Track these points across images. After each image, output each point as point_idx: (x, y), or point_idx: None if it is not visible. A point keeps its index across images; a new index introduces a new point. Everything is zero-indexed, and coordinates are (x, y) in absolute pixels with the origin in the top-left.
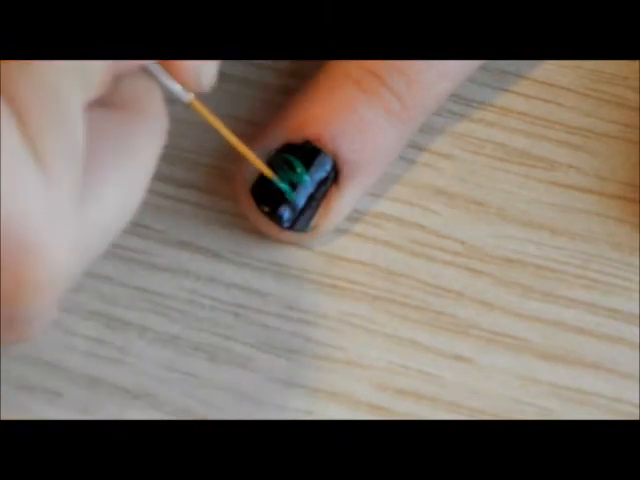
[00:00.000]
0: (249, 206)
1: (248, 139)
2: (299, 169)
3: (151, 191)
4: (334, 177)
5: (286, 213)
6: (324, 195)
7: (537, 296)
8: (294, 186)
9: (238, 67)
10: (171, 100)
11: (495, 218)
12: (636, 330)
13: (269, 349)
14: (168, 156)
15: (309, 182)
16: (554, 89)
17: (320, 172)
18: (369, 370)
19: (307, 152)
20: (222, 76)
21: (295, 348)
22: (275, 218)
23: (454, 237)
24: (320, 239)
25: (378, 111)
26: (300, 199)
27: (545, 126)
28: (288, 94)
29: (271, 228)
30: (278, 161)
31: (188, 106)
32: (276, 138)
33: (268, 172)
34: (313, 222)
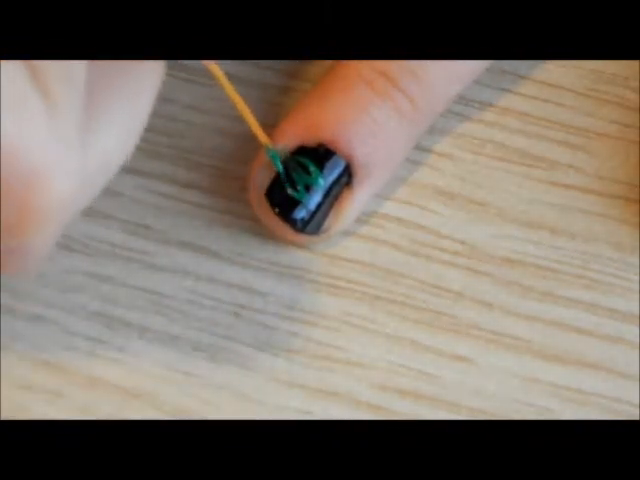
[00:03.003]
0: (263, 209)
1: (249, 139)
2: (314, 172)
3: (151, 191)
4: (347, 180)
5: (300, 216)
6: (336, 197)
7: (537, 296)
8: (308, 189)
9: (238, 67)
10: (171, 100)
11: (495, 218)
12: (636, 330)
13: (269, 349)
14: (169, 156)
15: (323, 184)
16: (554, 89)
17: (333, 174)
18: (369, 370)
19: (321, 155)
20: None
21: (295, 348)
22: (289, 221)
23: (454, 237)
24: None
25: (391, 113)
26: (313, 202)
27: (545, 126)
28: (288, 94)
29: (285, 231)
30: (292, 164)
31: (208, 72)
32: (289, 140)
33: (265, 138)
34: (326, 224)
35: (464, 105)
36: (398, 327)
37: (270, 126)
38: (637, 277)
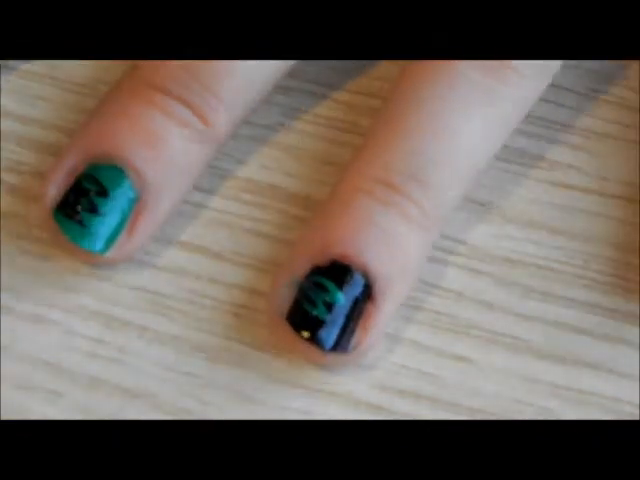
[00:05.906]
0: (286, 334)
1: (248, 139)
2: (331, 289)
3: None
4: (368, 292)
5: (326, 335)
6: (361, 312)
7: (537, 296)
8: (329, 307)
9: None
10: None
11: (495, 218)
12: (636, 330)
13: (269, 349)
14: None
15: (343, 300)
16: (554, 89)
17: (354, 290)
18: (369, 370)
19: (336, 271)
20: None
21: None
22: (316, 342)
23: (454, 237)
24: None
25: (398, 220)
26: (338, 319)
27: (545, 126)
28: (289, 94)
29: (313, 353)
30: (309, 285)
31: None
32: (302, 264)
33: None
34: (354, 341)
35: None
36: (398, 327)
37: (270, 128)
38: (637, 277)
